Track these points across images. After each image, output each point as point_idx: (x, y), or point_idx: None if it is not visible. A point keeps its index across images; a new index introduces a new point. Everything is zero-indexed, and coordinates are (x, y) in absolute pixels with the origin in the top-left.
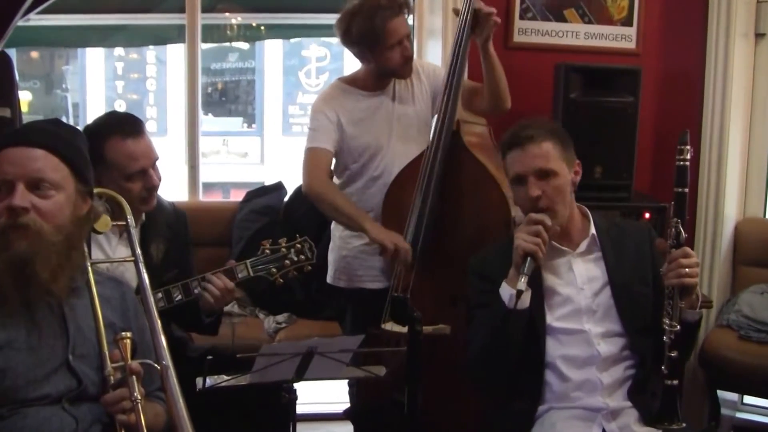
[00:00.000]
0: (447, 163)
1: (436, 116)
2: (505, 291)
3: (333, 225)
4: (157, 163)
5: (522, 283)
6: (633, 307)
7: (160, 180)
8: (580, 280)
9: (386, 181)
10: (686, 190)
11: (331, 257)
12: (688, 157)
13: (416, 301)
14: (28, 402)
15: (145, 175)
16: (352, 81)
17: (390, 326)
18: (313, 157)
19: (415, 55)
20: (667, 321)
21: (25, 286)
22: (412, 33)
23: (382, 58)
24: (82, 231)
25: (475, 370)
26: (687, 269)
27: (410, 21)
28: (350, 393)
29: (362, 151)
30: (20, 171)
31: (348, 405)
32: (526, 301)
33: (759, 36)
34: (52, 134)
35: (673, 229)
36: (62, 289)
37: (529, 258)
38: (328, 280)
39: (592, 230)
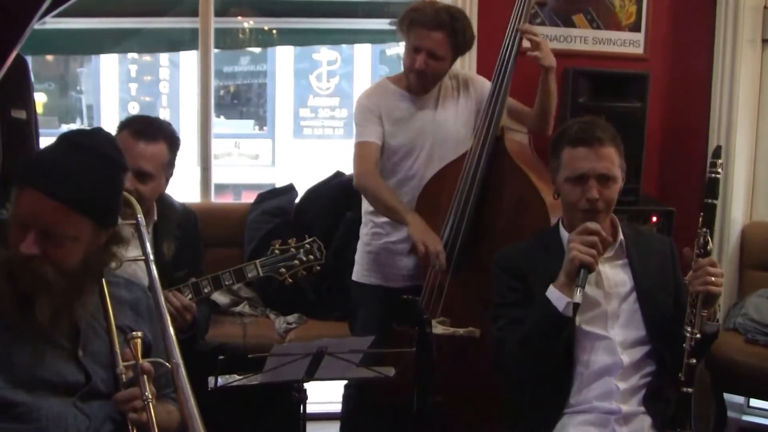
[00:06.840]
0: (489, 168)
1: (480, 121)
2: (555, 296)
3: (362, 223)
4: (145, 172)
5: (578, 296)
6: (657, 314)
7: (137, 190)
8: (608, 285)
9: (418, 183)
10: (716, 201)
11: (357, 255)
12: (720, 170)
13: (448, 303)
14: (37, 383)
15: None
16: (397, 80)
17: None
18: (360, 151)
19: (462, 68)
20: (688, 328)
21: (28, 317)
22: None
23: (404, 54)
24: (97, 261)
25: (509, 370)
26: (713, 278)
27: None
28: (344, 396)
29: (396, 150)
30: (33, 220)
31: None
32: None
33: (766, 42)
34: (78, 182)
35: (701, 239)
36: (62, 329)
37: (583, 270)
38: (354, 276)
39: (620, 236)
